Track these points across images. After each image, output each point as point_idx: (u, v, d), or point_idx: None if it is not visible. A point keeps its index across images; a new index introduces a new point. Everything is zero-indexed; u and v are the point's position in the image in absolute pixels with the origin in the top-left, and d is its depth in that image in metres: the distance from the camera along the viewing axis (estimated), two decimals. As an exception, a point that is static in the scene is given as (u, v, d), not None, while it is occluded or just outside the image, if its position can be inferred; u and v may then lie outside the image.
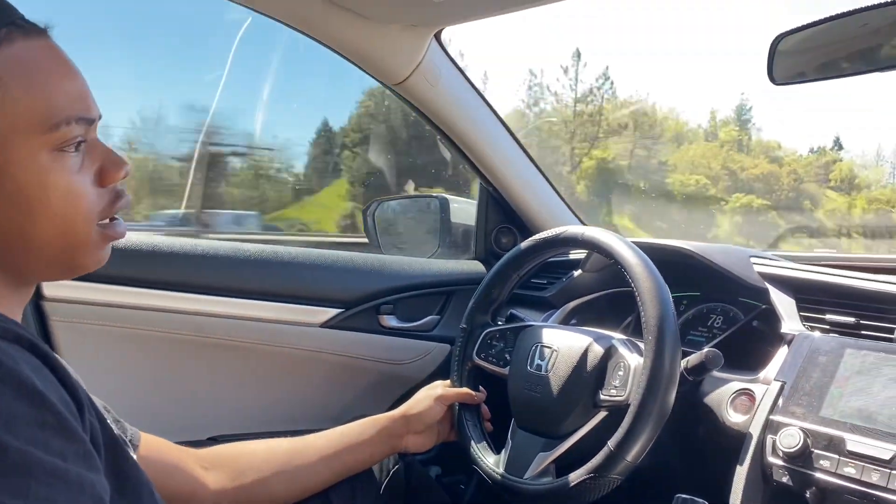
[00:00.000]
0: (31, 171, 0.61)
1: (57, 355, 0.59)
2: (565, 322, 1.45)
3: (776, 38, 0.98)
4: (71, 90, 0.64)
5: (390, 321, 1.56)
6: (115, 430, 0.70)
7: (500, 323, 1.32)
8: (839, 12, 0.91)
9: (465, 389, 1.24)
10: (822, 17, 0.92)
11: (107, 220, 0.69)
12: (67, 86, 0.64)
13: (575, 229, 1.20)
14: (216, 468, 1.00)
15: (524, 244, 1.27)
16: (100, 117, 0.68)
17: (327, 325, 1.49)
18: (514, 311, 1.38)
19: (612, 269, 1.44)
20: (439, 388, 1.24)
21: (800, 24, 0.95)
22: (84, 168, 0.66)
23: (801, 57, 0.98)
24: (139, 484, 0.65)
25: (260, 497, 1.02)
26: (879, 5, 0.86)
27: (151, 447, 0.92)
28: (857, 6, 0.88)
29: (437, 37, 1.38)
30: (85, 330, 1.31)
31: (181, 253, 1.39)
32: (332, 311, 1.49)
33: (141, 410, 1.24)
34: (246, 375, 1.47)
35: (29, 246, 0.64)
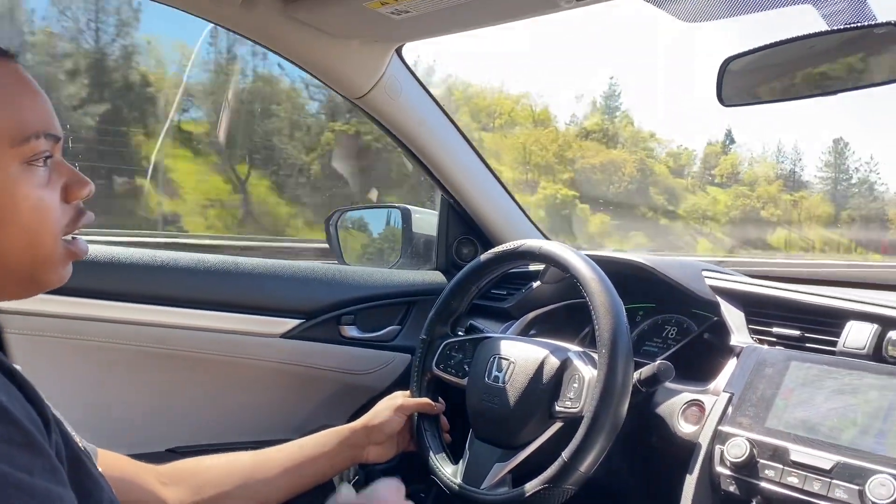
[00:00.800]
0: (2, 182, 0.64)
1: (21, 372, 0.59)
2: (524, 333, 1.47)
3: (725, 60, 1.02)
4: (37, 108, 0.68)
5: (351, 332, 1.57)
6: (81, 444, 0.70)
7: (459, 334, 1.34)
8: (786, 38, 0.94)
9: (425, 400, 1.26)
10: (769, 41, 0.96)
11: (70, 237, 0.71)
12: (34, 104, 0.68)
13: (532, 243, 1.23)
14: (176, 483, 1.00)
15: (483, 257, 1.29)
16: (62, 138, 0.71)
17: (288, 335, 1.49)
18: (473, 322, 1.40)
19: (570, 281, 1.46)
20: (399, 398, 1.25)
21: (748, 48, 0.99)
22: (51, 183, 0.69)
23: (749, 80, 1.02)
24: (102, 499, 0.65)
25: None
26: (824, 32, 0.90)
27: (109, 463, 0.91)
28: (804, 32, 0.92)
29: (399, 52, 1.40)
30: (41, 342, 1.29)
31: (140, 264, 1.38)
32: (294, 322, 1.50)
33: (99, 423, 1.23)
34: (206, 386, 1.47)
35: None
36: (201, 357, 1.44)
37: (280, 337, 1.48)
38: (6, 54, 0.67)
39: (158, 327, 1.39)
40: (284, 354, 1.50)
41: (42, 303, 1.28)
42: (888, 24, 0.83)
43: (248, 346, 1.46)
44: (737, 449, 0.98)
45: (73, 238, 0.72)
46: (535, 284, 1.53)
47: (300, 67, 1.34)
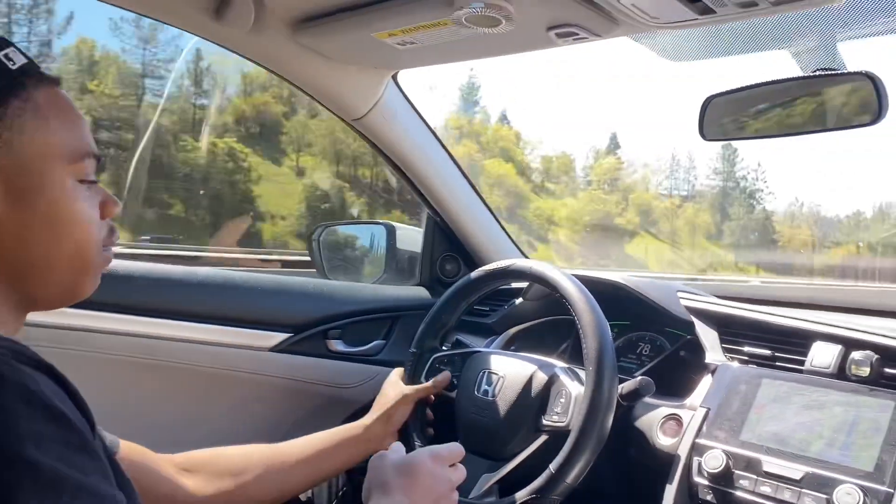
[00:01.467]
0: (63, 196, 0.70)
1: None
2: (506, 347, 1.52)
3: (707, 99, 1.09)
4: (85, 130, 0.74)
5: (338, 346, 1.61)
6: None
7: (446, 348, 1.39)
8: (764, 80, 1.02)
9: (428, 385, 1.29)
10: (749, 83, 1.04)
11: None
12: (82, 126, 0.74)
13: (523, 263, 1.29)
14: (193, 472, 1.04)
15: (475, 274, 1.35)
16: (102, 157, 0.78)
17: (276, 349, 1.53)
18: (459, 337, 1.45)
19: (551, 299, 1.53)
20: (403, 387, 1.29)
21: (729, 88, 1.07)
22: (92, 200, 0.74)
23: (728, 118, 1.10)
24: (133, 494, 0.69)
25: (237, 499, 1.05)
26: (799, 77, 0.98)
27: (130, 452, 0.95)
28: (780, 76, 1.00)
29: (395, 77, 1.46)
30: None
31: (134, 276, 1.40)
32: (282, 336, 1.53)
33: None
34: (196, 397, 1.49)
35: (50, 266, 0.71)
36: (192, 368, 1.46)
37: (269, 350, 1.52)
38: (55, 80, 0.72)
39: (149, 338, 1.42)
40: (273, 367, 1.53)
41: (34, 315, 1.29)
42: (860, 73, 0.91)
43: (238, 358, 1.50)
44: (714, 461, 1.05)
45: (106, 248, 0.77)
46: (518, 301, 1.59)
47: (302, 90, 1.39)
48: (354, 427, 1.21)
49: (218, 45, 1.25)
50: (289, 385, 1.56)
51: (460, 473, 0.95)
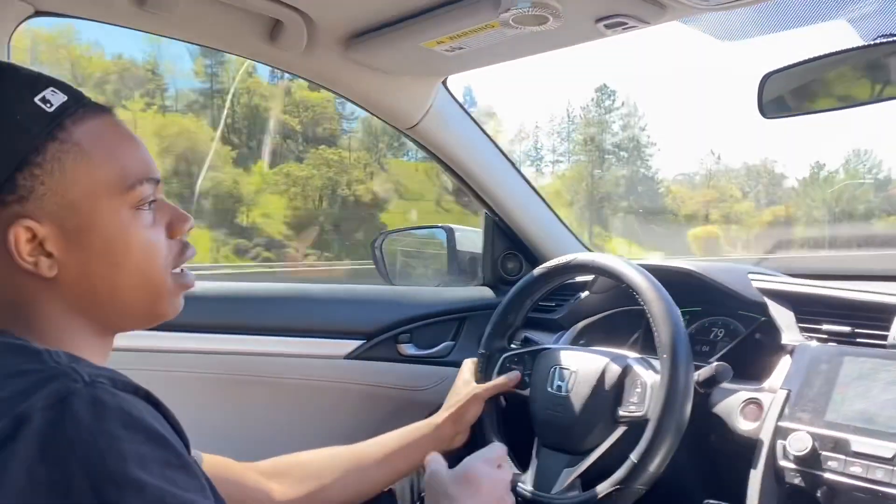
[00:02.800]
0: (115, 229, 0.70)
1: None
2: (575, 342, 1.52)
3: (764, 76, 1.07)
4: (138, 156, 0.73)
5: (408, 349, 1.64)
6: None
7: (514, 346, 1.39)
8: (823, 53, 1.00)
9: (500, 381, 1.30)
10: (806, 57, 1.02)
11: (179, 271, 0.78)
12: (135, 153, 0.73)
13: (585, 256, 1.29)
14: (278, 477, 1.07)
15: (536, 271, 1.35)
16: (161, 178, 0.77)
17: (351, 356, 1.57)
18: (527, 335, 1.46)
19: (617, 290, 1.52)
20: (474, 386, 1.30)
21: (787, 64, 1.05)
22: (156, 223, 0.75)
23: (787, 93, 1.07)
24: None
25: (320, 502, 1.08)
26: (860, 47, 0.95)
27: (214, 465, 0.98)
28: (839, 48, 0.97)
29: (444, 83, 1.48)
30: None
31: (210, 296, 1.46)
32: (355, 343, 1.57)
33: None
34: (276, 409, 1.54)
35: (116, 297, 0.72)
36: (271, 381, 1.51)
37: (344, 358, 1.56)
38: (104, 108, 0.73)
39: (228, 355, 1.48)
40: (349, 374, 1.57)
41: (119, 337, 1.36)
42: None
43: (315, 368, 1.54)
44: (799, 443, 1.02)
45: (182, 271, 0.78)
46: (584, 294, 1.58)
47: (355, 104, 1.42)
48: (426, 425, 1.23)
49: (273, 67, 1.29)
50: (365, 391, 1.59)
51: (509, 471, 1.00)
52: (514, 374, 1.30)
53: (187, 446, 0.65)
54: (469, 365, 1.37)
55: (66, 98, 0.69)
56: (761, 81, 1.08)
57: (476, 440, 1.30)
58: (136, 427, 0.59)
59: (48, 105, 0.67)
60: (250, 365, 1.49)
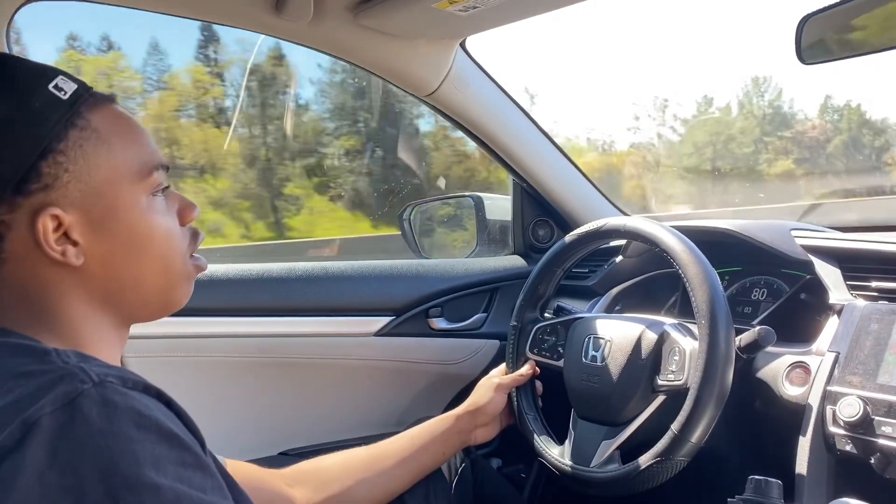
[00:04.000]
0: (137, 215, 0.70)
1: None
2: (610, 309, 1.48)
3: (802, 18, 1.00)
4: (148, 144, 0.73)
5: (439, 323, 1.60)
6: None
7: (547, 316, 1.35)
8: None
9: (520, 372, 1.29)
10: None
11: (191, 256, 0.77)
12: (145, 140, 0.73)
13: (616, 221, 1.23)
14: (300, 484, 1.05)
15: (567, 238, 1.31)
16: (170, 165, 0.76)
17: (380, 333, 1.54)
18: (560, 304, 1.41)
19: (652, 253, 1.47)
20: (496, 378, 1.29)
21: (825, 5, 0.97)
22: (169, 210, 0.74)
23: (828, 36, 1.00)
24: None
25: None
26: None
27: (236, 471, 0.96)
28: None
29: (463, 45, 1.42)
30: (148, 363, 1.36)
31: (236, 279, 1.44)
32: (384, 320, 1.54)
33: (211, 433, 1.28)
34: (307, 390, 1.53)
35: (139, 285, 0.72)
36: (301, 362, 1.50)
37: (373, 335, 1.53)
38: (110, 98, 0.72)
39: (258, 337, 1.46)
40: (379, 352, 1.55)
41: (144, 326, 1.35)
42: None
43: (344, 347, 1.52)
44: (850, 408, 0.97)
45: (194, 256, 0.78)
46: (617, 259, 1.53)
47: (370, 72, 1.37)
48: (446, 419, 1.21)
49: (281, 38, 1.25)
50: (397, 367, 1.57)
51: None
52: (530, 366, 1.30)
53: (203, 445, 0.63)
54: (498, 369, 1.34)
55: (77, 86, 0.68)
56: (799, 24, 1.00)
57: (514, 417, 1.28)
58: (149, 427, 0.57)
59: (62, 93, 0.66)
60: (278, 347, 1.47)
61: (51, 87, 0.66)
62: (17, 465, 0.54)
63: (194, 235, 0.78)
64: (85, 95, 0.68)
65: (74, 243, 0.67)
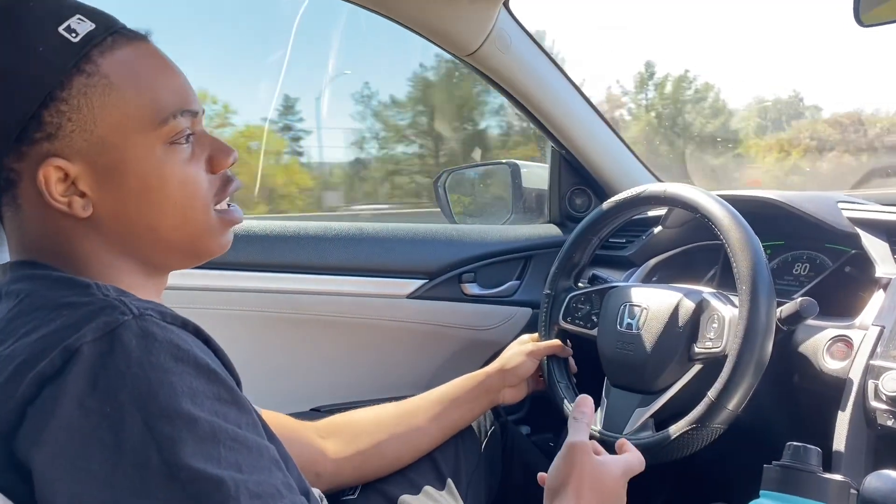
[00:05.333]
0: (149, 165, 0.66)
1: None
2: (647, 279, 1.46)
3: (862, -24, 0.96)
4: (174, 87, 0.69)
5: (472, 289, 1.60)
6: None
7: (581, 285, 1.34)
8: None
9: (555, 342, 1.28)
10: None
11: (224, 207, 0.74)
12: (170, 83, 0.68)
13: (655, 187, 1.21)
14: (332, 436, 1.06)
15: (604, 206, 1.28)
16: (203, 111, 0.72)
17: (413, 296, 1.54)
18: (595, 273, 1.39)
19: (692, 224, 1.44)
20: (529, 343, 1.28)
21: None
22: (195, 157, 0.70)
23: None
24: (284, 454, 0.70)
25: (374, 460, 1.07)
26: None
27: (271, 421, 0.97)
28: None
29: (506, 4, 1.39)
30: (184, 314, 1.38)
31: (273, 235, 1.45)
32: (417, 283, 1.54)
33: (244, 386, 1.31)
34: (340, 348, 1.54)
35: (157, 237, 0.69)
36: (334, 320, 1.51)
37: (406, 298, 1.53)
38: (139, 35, 0.68)
39: (292, 294, 1.47)
40: (411, 314, 1.55)
41: (180, 277, 1.36)
42: None
43: (377, 307, 1.52)
44: (893, 382, 0.94)
45: (227, 206, 0.74)
46: (656, 230, 1.51)
47: (410, 29, 1.35)
48: (476, 376, 1.21)
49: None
50: (428, 330, 1.57)
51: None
52: (569, 350, 1.29)
53: (238, 383, 0.63)
54: (531, 336, 1.33)
55: (93, 27, 0.64)
56: (858, -16, 0.96)
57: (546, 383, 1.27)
58: (187, 360, 0.57)
59: (73, 35, 0.63)
60: (312, 304, 1.48)
61: (61, 28, 0.63)
62: (58, 392, 0.55)
63: (225, 183, 0.73)
64: (101, 37, 0.64)
65: (82, 194, 0.65)
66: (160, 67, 0.68)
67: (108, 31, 0.65)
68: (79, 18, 0.64)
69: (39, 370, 0.55)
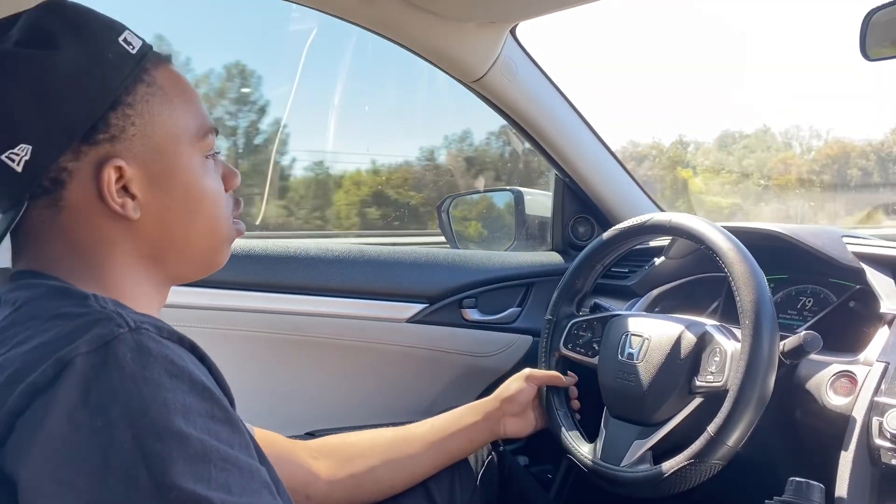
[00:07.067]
0: (193, 175, 0.71)
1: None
2: (649, 309, 1.45)
3: (869, 12, 0.96)
4: (202, 105, 0.74)
5: (473, 314, 1.59)
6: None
7: (584, 313, 1.33)
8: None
9: (555, 372, 1.26)
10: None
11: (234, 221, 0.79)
12: (199, 102, 0.74)
13: (661, 216, 1.20)
14: (325, 457, 1.04)
15: (608, 234, 1.28)
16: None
17: (413, 320, 1.53)
18: (597, 301, 1.38)
19: (696, 255, 1.43)
20: (527, 369, 1.26)
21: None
22: (217, 174, 0.75)
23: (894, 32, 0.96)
24: (275, 477, 0.68)
25: (367, 484, 1.05)
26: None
27: (264, 440, 0.96)
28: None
29: (513, 32, 1.40)
30: (182, 332, 1.37)
31: (273, 255, 1.45)
32: (418, 307, 1.53)
33: (239, 408, 1.29)
34: (337, 371, 1.52)
35: (188, 244, 0.73)
36: (333, 343, 1.50)
37: (406, 322, 1.52)
38: (166, 58, 0.72)
39: (290, 315, 1.46)
40: (410, 338, 1.54)
41: (181, 295, 1.36)
42: None
43: (376, 331, 1.51)
44: (898, 420, 0.93)
45: (235, 220, 0.79)
46: (659, 260, 1.50)
47: (417, 55, 1.36)
48: (475, 407, 1.19)
49: (331, 14, 1.25)
50: (427, 355, 1.56)
51: None
52: (572, 379, 1.26)
53: (231, 402, 0.62)
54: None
55: (142, 42, 0.69)
56: (865, 19, 0.97)
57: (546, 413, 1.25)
58: (181, 377, 0.57)
59: (131, 47, 0.68)
60: (311, 326, 1.47)
61: (120, 39, 0.67)
62: (48, 404, 0.54)
63: (236, 202, 0.79)
64: (151, 53, 0.69)
65: (133, 197, 0.67)
66: (191, 87, 0.74)
67: (150, 48, 0.70)
68: (130, 33, 0.69)
69: (31, 381, 0.54)
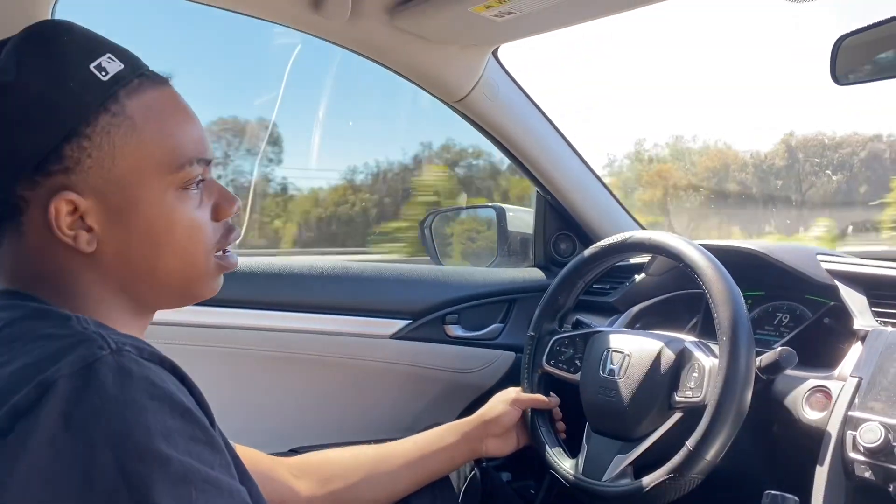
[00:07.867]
0: (159, 209, 0.67)
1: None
2: (630, 326, 1.47)
3: (839, 39, 1.00)
4: (192, 134, 0.70)
5: (456, 331, 1.60)
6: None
7: (566, 330, 1.34)
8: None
9: (539, 396, 1.27)
10: (885, 17, 0.94)
11: (221, 252, 0.75)
12: (190, 130, 0.70)
13: (641, 234, 1.23)
14: (305, 476, 1.04)
15: (589, 251, 1.30)
16: (214, 159, 0.74)
17: (396, 336, 1.54)
18: (579, 318, 1.40)
19: (675, 272, 1.46)
20: (513, 393, 1.26)
21: (862, 25, 0.97)
22: (203, 204, 0.71)
23: (865, 57, 0.99)
24: (258, 495, 0.69)
25: (348, 502, 1.06)
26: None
27: (244, 457, 0.96)
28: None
29: (495, 53, 1.42)
30: (163, 350, 1.36)
31: (257, 272, 1.45)
32: (401, 323, 1.54)
33: (221, 425, 1.29)
34: (322, 388, 1.53)
35: (154, 277, 0.69)
36: (316, 359, 1.50)
37: (389, 338, 1.53)
38: (163, 79, 0.70)
39: (274, 331, 1.46)
40: (394, 354, 1.54)
41: (167, 312, 1.36)
42: None
43: (360, 347, 1.52)
44: (871, 434, 0.95)
45: (224, 253, 0.75)
46: (639, 277, 1.52)
47: (401, 75, 1.38)
48: (457, 426, 1.19)
49: (317, 36, 1.26)
50: (411, 371, 1.57)
51: None
52: (555, 401, 1.26)
53: (212, 422, 0.63)
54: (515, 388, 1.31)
55: (122, 67, 0.66)
56: (835, 45, 1.00)
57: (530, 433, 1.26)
58: (162, 398, 0.57)
59: (103, 73, 0.64)
60: (294, 342, 1.47)
61: (92, 66, 0.64)
62: (31, 427, 0.53)
63: (227, 231, 0.74)
64: (128, 78, 0.66)
65: (89, 229, 0.65)
66: (181, 114, 0.70)
67: (136, 72, 0.67)
68: (109, 57, 0.65)
69: (14, 403, 0.54)
